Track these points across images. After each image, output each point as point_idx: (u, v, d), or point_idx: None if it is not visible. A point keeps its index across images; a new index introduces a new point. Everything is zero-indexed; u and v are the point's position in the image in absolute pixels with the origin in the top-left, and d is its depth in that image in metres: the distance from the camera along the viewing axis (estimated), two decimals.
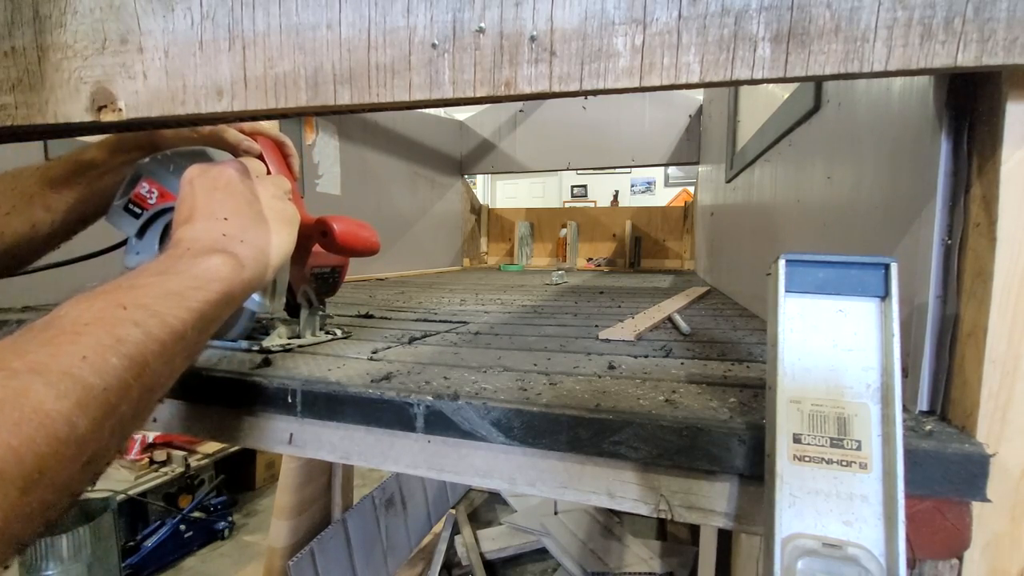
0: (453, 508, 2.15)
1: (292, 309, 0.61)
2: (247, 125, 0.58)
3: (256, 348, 0.56)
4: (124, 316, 0.30)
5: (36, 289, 0.94)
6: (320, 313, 0.64)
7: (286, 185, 0.51)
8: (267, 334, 0.58)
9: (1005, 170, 0.30)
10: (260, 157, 0.55)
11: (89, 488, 0.28)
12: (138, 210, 0.54)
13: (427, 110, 2.37)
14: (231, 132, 0.56)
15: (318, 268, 0.60)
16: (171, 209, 0.53)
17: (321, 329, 0.64)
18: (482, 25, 0.34)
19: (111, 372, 0.27)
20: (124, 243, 0.60)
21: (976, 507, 0.31)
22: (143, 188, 0.53)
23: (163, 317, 0.31)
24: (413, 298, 1.18)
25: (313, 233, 0.55)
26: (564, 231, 2.80)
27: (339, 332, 0.66)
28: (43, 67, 0.42)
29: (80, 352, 0.27)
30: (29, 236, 0.54)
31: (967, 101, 0.33)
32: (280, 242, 0.44)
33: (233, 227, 0.40)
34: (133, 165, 0.55)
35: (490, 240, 3.07)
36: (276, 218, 0.45)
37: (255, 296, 0.50)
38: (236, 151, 0.56)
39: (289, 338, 0.60)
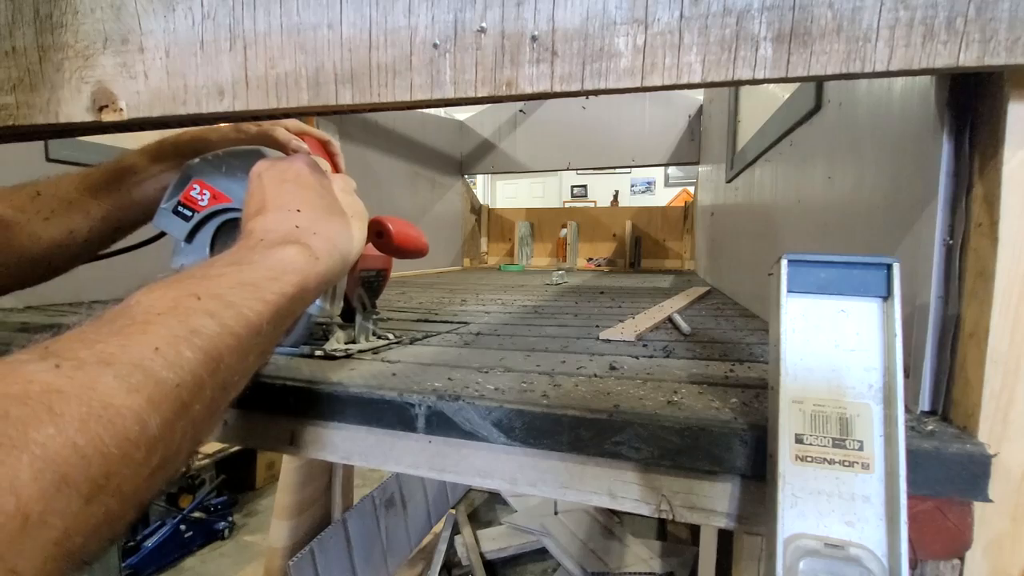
0: (453, 508, 2.15)
1: (346, 313, 0.58)
2: (291, 124, 0.58)
3: (319, 354, 0.54)
4: (198, 306, 0.27)
5: (39, 288, 0.94)
6: (374, 317, 0.62)
7: (352, 182, 0.50)
8: (324, 339, 0.57)
9: (1007, 170, 0.30)
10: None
11: (157, 499, 0.25)
12: (188, 212, 0.52)
13: (427, 110, 2.37)
14: (280, 131, 0.55)
15: (365, 271, 0.58)
16: (224, 211, 0.52)
17: (374, 334, 0.62)
18: (483, 25, 0.34)
19: (185, 366, 0.25)
20: (149, 242, 0.60)
21: (978, 507, 0.31)
22: (194, 190, 0.52)
23: (239, 308, 0.29)
24: (414, 298, 1.18)
25: (368, 233, 0.53)
26: (564, 231, 2.80)
27: (392, 336, 0.64)
28: (44, 67, 0.42)
29: (152, 343, 0.24)
30: (66, 243, 0.53)
31: (968, 101, 0.33)
32: (353, 236, 0.42)
33: (306, 219, 0.38)
34: (176, 170, 0.54)
35: (490, 240, 3.07)
36: (348, 211, 0.43)
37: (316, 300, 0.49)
38: (285, 150, 0.55)
39: (346, 343, 0.58)
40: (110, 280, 1.06)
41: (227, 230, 0.54)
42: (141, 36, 0.40)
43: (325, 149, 0.59)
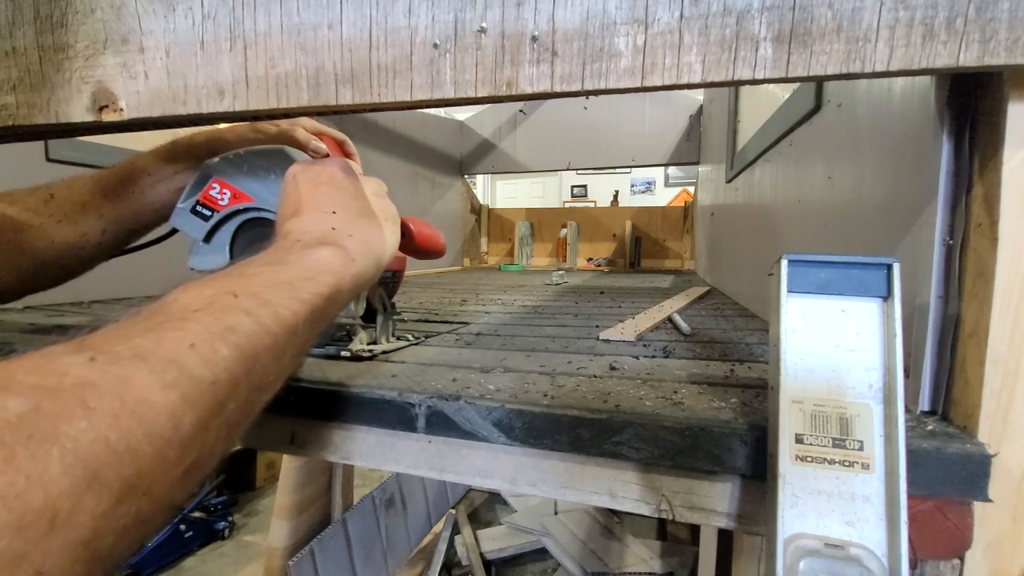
0: (453, 508, 2.15)
1: (367, 314, 0.58)
2: (308, 123, 0.58)
3: (346, 354, 0.54)
4: (235, 304, 0.27)
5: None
6: (394, 317, 0.62)
7: (384, 185, 0.50)
8: (344, 340, 0.56)
9: (1007, 170, 0.30)
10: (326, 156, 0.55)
11: (188, 503, 0.24)
12: (207, 211, 0.52)
13: (427, 110, 2.37)
14: (300, 131, 0.55)
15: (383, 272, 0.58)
16: (245, 210, 0.52)
17: (393, 334, 0.62)
18: (484, 25, 0.34)
19: (220, 364, 0.24)
20: (157, 241, 0.59)
21: (978, 507, 0.31)
22: (213, 189, 0.51)
23: (275, 308, 0.28)
24: (414, 298, 1.18)
25: None
26: (564, 231, 2.80)
27: (411, 337, 0.64)
28: (44, 67, 0.42)
29: (188, 339, 0.24)
30: (79, 245, 0.53)
31: (968, 101, 0.33)
32: (387, 239, 0.42)
33: (341, 221, 0.39)
34: (189, 172, 0.54)
35: (490, 240, 3.07)
36: (381, 215, 0.43)
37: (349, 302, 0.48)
38: (305, 150, 0.55)
39: (369, 343, 0.58)
40: (110, 280, 1.06)
41: (247, 229, 0.53)
42: (141, 36, 0.40)
43: (342, 149, 0.59)
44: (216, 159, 0.53)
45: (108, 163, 0.57)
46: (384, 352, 0.57)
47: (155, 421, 0.21)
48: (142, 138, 0.60)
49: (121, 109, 0.41)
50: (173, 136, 0.57)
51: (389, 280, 0.60)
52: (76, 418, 0.19)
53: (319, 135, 0.57)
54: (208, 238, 0.52)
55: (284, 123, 0.55)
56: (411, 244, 0.53)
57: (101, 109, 0.42)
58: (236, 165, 0.52)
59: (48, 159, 1.03)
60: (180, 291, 0.27)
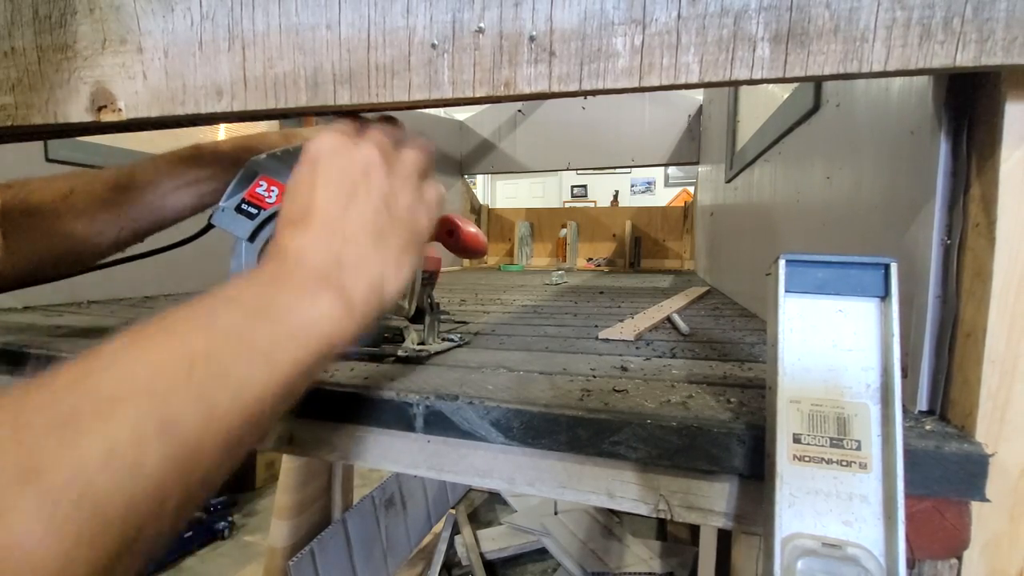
0: (453, 508, 2.14)
1: (415, 314, 0.56)
2: (346, 126, 0.55)
3: (401, 354, 0.52)
4: (186, 382, 0.21)
5: (38, 288, 0.94)
6: (440, 316, 0.59)
7: (440, 188, 0.40)
8: (399, 340, 0.55)
9: (1004, 170, 0.30)
10: None
11: None
12: (254, 210, 0.49)
13: (427, 110, 2.37)
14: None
15: (424, 272, 0.55)
16: None
17: (439, 335, 0.60)
18: (481, 25, 0.34)
19: (145, 479, 0.19)
20: (188, 241, 0.59)
21: (975, 507, 0.31)
22: (260, 187, 0.49)
23: (239, 387, 0.23)
24: None
25: (439, 232, 0.49)
26: (564, 231, 2.80)
27: (456, 339, 0.62)
28: (43, 67, 0.42)
29: (106, 442, 0.18)
30: (95, 241, 0.54)
31: (966, 101, 0.33)
32: (399, 277, 0.34)
33: (355, 252, 0.31)
34: (215, 178, 0.54)
35: (490, 240, 3.07)
36: (405, 238, 0.35)
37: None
38: None
39: (418, 344, 0.55)
40: (110, 280, 1.06)
41: None
42: (140, 36, 0.40)
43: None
44: (263, 156, 0.51)
45: (108, 163, 0.57)
46: (436, 353, 0.55)
47: None
48: (141, 138, 0.60)
49: (120, 109, 0.41)
50: (173, 137, 0.57)
51: (427, 280, 0.57)
52: None
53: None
54: (253, 237, 0.51)
55: (319, 126, 0.54)
56: (458, 243, 0.51)
57: (100, 109, 0.42)
58: (284, 162, 0.50)
59: (48, 159, 1.03)
60: (128, 344, 0.22)
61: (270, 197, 0.49)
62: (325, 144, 0.34)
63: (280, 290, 0.28)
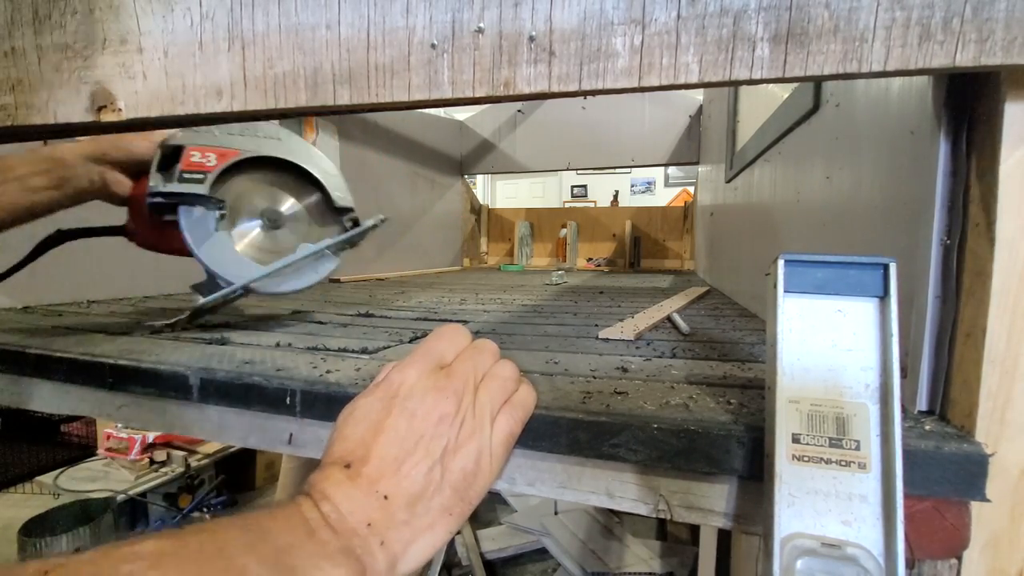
0: None
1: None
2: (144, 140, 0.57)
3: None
4: None
5: (38, 289, 0.94)
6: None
7: (502, 401, 0.35)
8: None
9: (1004, 170, 0.30)
10: None
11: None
12: (200, 175, 0.52)
13: (427, 110, 2.37)
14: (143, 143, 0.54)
15: None
16: (236, 166, 0.52)
17: None
18: (481, 25, 0.34)
19: None
20: (114, 230, 0.60)
21: (975, 507, 0.31)
22: (193, 156, 0.52)
23: None
24: (413, 298, 1.18)
25: None
26: (564, 231, 2.80)
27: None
28: (43, 68, 0.42)
29: None
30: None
31: (966, 101, 0.33)
32: (427, 545, 0.30)
33: (385, 517, 0.29)
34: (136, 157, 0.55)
35: (490, 240, 3.07)
36: (450, 502, 0.31)
37: None
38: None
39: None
40: (110, 280, 1.06)
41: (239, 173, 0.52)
42: (140, 36, 0.40)
43: None
44: (180, 132, 0.53)
45: None
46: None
47: None
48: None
49: (120, 109, 0.41)
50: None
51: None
52: None
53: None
54: (214, 208, 0.52)
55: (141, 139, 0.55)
56: None
57: (100, 109, 0.42)
58: (203, 133, 0.53)
59: None
60: (147, 570, 0.21)
61: (210, 161, 0.52)
62: (412, 380, 0.32)
63: (301, 549, 0.26)
